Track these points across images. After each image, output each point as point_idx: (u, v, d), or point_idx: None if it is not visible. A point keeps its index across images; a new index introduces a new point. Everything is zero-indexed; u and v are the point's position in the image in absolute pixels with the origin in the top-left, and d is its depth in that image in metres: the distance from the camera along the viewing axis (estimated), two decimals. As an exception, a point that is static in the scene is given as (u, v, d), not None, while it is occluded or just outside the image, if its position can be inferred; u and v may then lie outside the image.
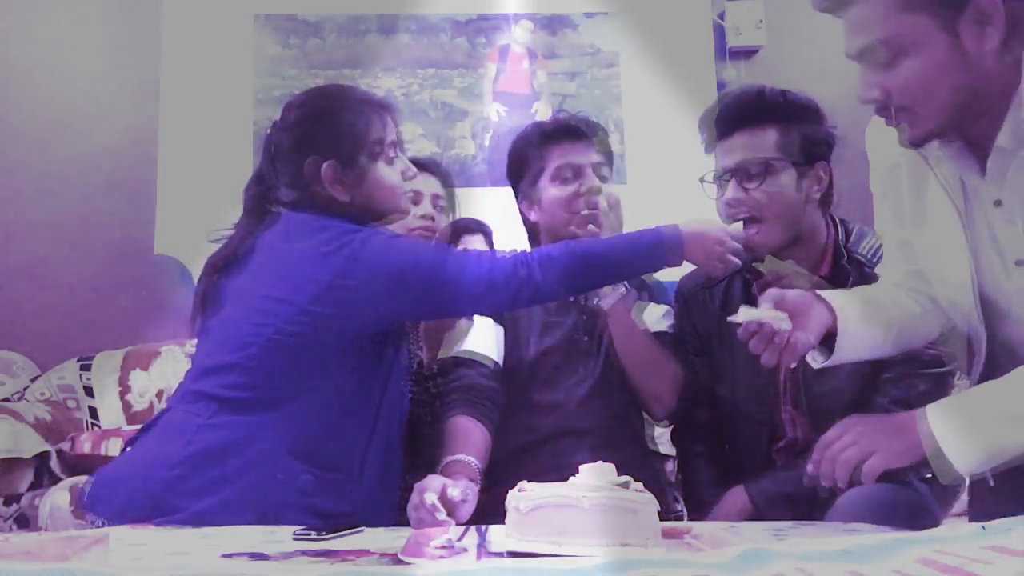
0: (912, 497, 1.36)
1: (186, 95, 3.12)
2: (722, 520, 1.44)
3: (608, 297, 1.58)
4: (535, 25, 3.34)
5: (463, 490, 1.26)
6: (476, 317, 1.65)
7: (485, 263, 1.37)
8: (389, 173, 1.48)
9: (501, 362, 1.62)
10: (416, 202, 1.77)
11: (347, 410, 1.39)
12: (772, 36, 3.28)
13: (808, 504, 1.40)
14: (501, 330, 1.64)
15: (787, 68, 3.28)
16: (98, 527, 1.29)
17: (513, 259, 1.38)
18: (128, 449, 1.44)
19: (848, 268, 1.50)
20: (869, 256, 1.50)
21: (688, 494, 1.69)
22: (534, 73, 3.33)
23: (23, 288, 2.98)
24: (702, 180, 1.57)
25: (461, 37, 3.31)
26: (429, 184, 1.83)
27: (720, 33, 3.33)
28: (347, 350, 1.39)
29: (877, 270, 1.44)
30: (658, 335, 1.66)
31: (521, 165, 1.70)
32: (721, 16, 3.33)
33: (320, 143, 1.44)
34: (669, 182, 2.73)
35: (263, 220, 1.48)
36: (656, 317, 1.69)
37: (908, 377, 1.44)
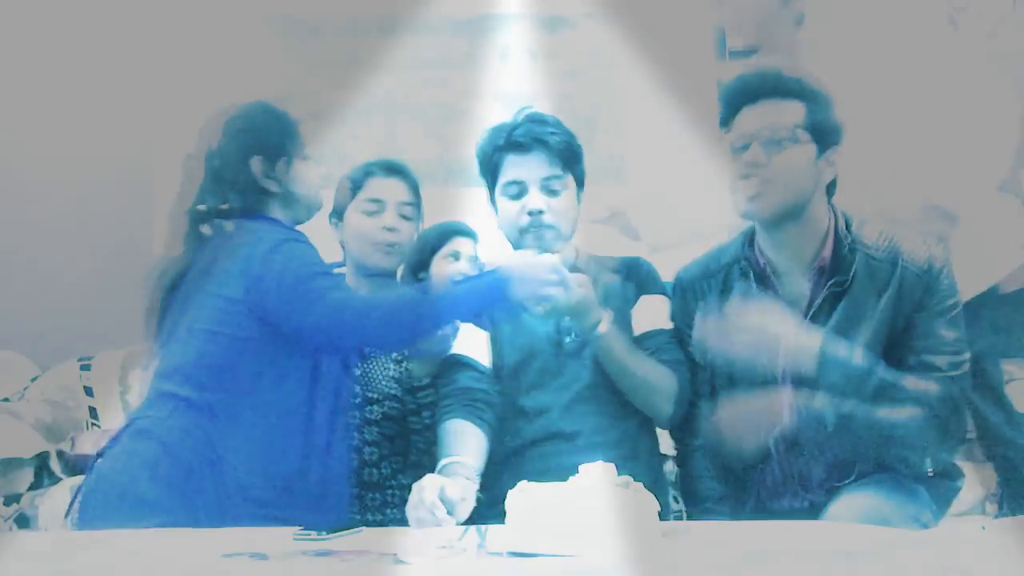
0: (908, 497, 1.35)
1: (186, 95, 3.11)
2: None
3: (585, 334, 1.57)
4: (535, 25, 3.33)
5: (462, 490, 1.26)
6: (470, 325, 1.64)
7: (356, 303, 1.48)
8: (308, 171, 1.62)
9: (490, 364, 1.62)
10: (377, 212, 1.79)
11: (289, 411, 1.45)
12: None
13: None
14: (486, 334, 1.64)
15: (787, 68, 3.27)
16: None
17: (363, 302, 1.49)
18: (100, 461, 1.47)
19: (850, 256, 1.49)
20: (883, 245, 1.50)
21: (686, 489, 1.68)
22: (534, 73, 3.33)
23: (23, 288, 2.98)
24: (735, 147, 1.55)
25: (461, 37, 3.31)
26: (394, 191, 1.82)
27: (720, 33, 3.33)
28: (280, 350, 1.45)
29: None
30: (663, 336, 1.63)
31: (483, 171, 1.72)
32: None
33: (258, 144, 1.58)
34: (669, 182, 2.73)
35: (203, 236, 1.56)
36: (660, 313, 1.66)
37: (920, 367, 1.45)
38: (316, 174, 1.64)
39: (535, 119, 1.67)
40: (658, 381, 1.58)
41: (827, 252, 1.51)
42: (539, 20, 3.33)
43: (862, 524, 1.21)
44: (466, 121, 3.26)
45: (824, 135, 1.51)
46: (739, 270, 1.59)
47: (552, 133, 1.63)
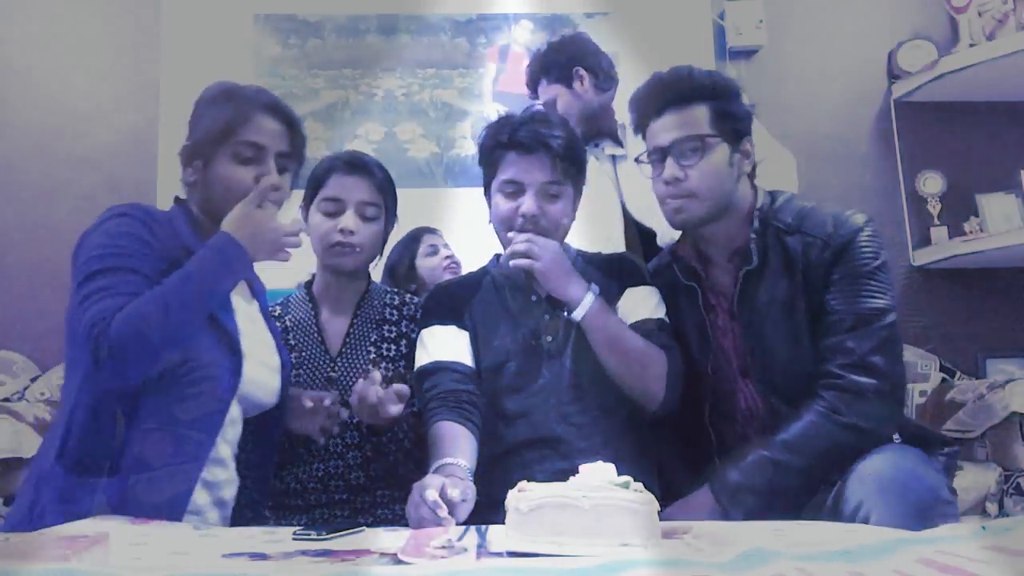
0: (922, 469, 1.32)
1: (186, 95, 3.10)
2: (687, 519, 1.41)
3: (579, 308, 1.55)
4: (535, 25, 3.34)
5: (463, 490, 1.26)
6: (437, 327, 1.63)
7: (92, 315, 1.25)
8: (233, 170, 1.45)
9: (473, 364, 1.60)
10: (336, 212, 1.69)
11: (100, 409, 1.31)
12: (772, 36, 3.28)
13: (772, 495, 1.39)
14: (465, 334, 1.63)
15: (787, 68, 3.28)
16: None
17: (94, 316, 1.25)
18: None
19: (762, 238, 1.52)
20: (790, 221, 1.52)
21: (663, 479, 1.63)
22: (534, 73, 3.32)
23: (23, 288, 2.98)
24: (638, 160, 1.60)
25: (461, 37, 3.31)
26: (355, 189, 1.70)
27: (720, 33, 3.33)
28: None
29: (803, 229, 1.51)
30: (651, 323, 1.60)
31: (482, 162, 1.67)
32: (721, 16, 3.33)
33: (192, 131, 1.53)
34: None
35: None
36: (647, 302, 1.64)
37: (847, 340, 1.44)
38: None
39: (541, 119, 1.63)
40: (649, 358, 1.54)
41: (743, 238, 1.54)
42: (539, 20, 3.33)
43: (861, 525, 1.20)
44: (466, 121, 3.27)
45: (735, 128, 1.54)
46: (671, 263, 1.66)
47: (556, 136, 1.59)
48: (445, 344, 1.61)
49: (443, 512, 1.21)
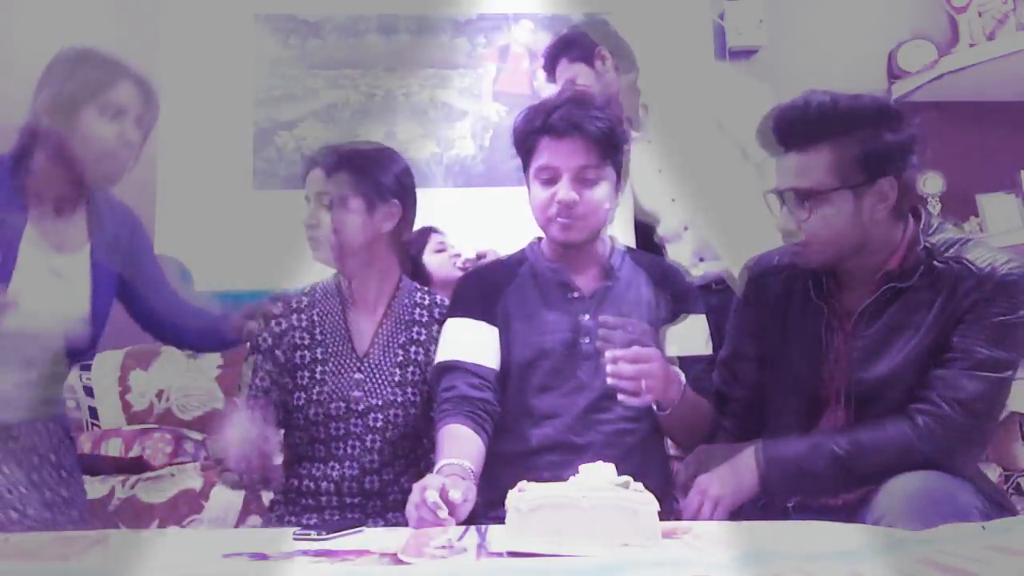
0: (963, 492, 1.30)
1: (186, 95, 3.11)
2: (722, 480, 1.37)
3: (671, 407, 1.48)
4: (535, 25, 3.33)
5: (464, 491, 1.25)
6: (464, 320, 1.59)
7: None
8: (98, 125, 1.56)
9: (497, 365, 1.55)
10: (308, 206, 1.73)
11: None
12: (772, 36, 3.28)
13: (815, 481, 1.37)
14: (493, 331, 1.57)
15: (787, 68, 3.28)
16: None
17: None
18: None
19: (916, 264, 1.40)
20: (945, 248, 1.41)
21: None
22: (534, 73, 3.32)
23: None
24: (765, 194, 1.47)
25: (461, 37, 3.31)
26: (315, 182, 1.74)
27: (720, 33, 3.33)
28: None
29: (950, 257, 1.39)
30: (694, 361, 1.57)
31: (518, 149, 1.61)
32: (721, 16, 3.32)
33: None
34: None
35: None
36: (700, 334, 1.60)
37: (959, 376, 1.36)
38: None
39: (577, 101, 1.55)
40: (704, 426, 1.54)
41: (895, 262, 1.43)
42: (539, 20, 3.33)
43: (861, 525, 1.20)
44: (466, 121, 3.26)
45: (867, 168, 1.39)
46: (805, 272, 1.51)
47: (593, 118, 1.51)
48: (468, 342, 1.56)
49: (443, 513, 1.19)
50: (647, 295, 1.60)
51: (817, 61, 3.29)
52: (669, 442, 1.68)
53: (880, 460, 1.34)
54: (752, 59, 3.33)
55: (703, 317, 1.62)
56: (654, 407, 1.46)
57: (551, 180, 1.53)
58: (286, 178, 3.16)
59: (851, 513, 1.34)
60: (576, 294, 1.58)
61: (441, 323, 1.68)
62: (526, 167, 1.59)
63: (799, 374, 1.49)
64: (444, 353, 1.58)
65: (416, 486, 1.26)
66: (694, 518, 1.33)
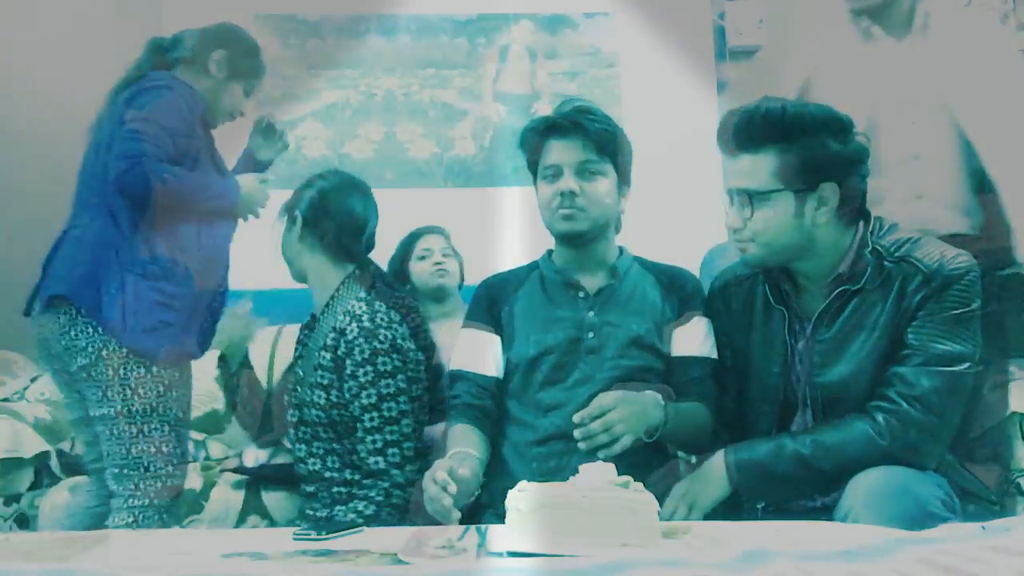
0: (925, 484, 1.33)
1: (186, 95, 3.11)
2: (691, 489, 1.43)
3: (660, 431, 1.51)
4: (535, 25, 3.34)
5: (471, 468, 1.29)
6: (472, 330, 1.66)
7: None
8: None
9: (499, 372, 1.63)
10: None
11: None
12: (772, 36, 3.28)
13: (782, 483, 1.41)
14: (496, 339, 1.65)
15: (787, 68, 3.27)
16: None
17: None
18: None
19: (865, 264, 1.45)
20: (893, 249, 1.45)
21: None
22: (534, 73, 3.33)
23: (23, 289, 2.97)
24: (724, 194, 1.53)
25: (461, 37, 3.31)
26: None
27: (720, 33, 3.33)
28: None
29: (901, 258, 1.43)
30: (697, 363, 1.61)
31: (528, 154, 1.68)
32: (721, 16, 3.33)
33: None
34: (669, 182, 2.73)
35: None
36: (703, 336, 1.63)
37: (916, 373, 1.40)
38: None
39: (580, 108, 1.65)
40: (702, 429, 1.57)
41: (845, 265, 1.47)
42: (539, 20, 3.33)
43: (862, 525, 1.21)
44: (466, 121, 3.27)
45: (808, 174, 1.44)
46: (761, 280, 1.57)
47: (593, 120, 1.62)
48: (473, 351, 1.65)
49: (452, 488, 1.24)
50: (653, 297, 1.64)
51: (817, 61, 3.29)
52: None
53: (843, 459, 1.38)
54: (752, 59, 3.33)
55: (707, 319, 1.64)
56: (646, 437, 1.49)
57: (555, 176, 1.61)
58: (286, 178, 3.16)
59: (830, 515, 1.36)
60: (582, 293, 1.64)
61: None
62: (536, 171, 1.66)
63: (767, 380, 1.54)
64: (454, 360, 1.68)
65: (426, 474, 1.32)
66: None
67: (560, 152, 1.61)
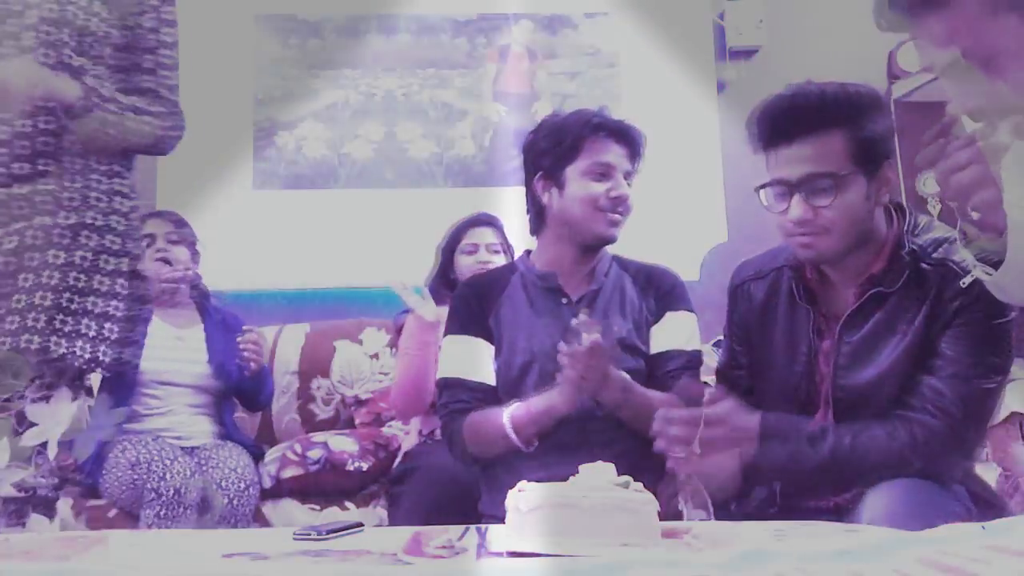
0: (946, 500, 1.30)
1: (186, 95, 3.11)
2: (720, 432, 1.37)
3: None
4: (535, 25, 3.34)
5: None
6: (460, 337, 1.66)
7: None
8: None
9: (491, 379, 1.63)
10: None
11: None
12: (772, 36, 3.28)
13: (799, 474, 1.37)
14: (485, 345, 1.64)
15: (787, 68, 3.27)
16: None
17: None
18: None
19: (902, 266, 1.39)
20: (932, 249, 1.38)
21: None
22: (534, 73, 3.33)
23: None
24: (758, 190, 1.44)
25: (461, 37, 3.31)
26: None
27: (720, 33, 3.33)
28: None
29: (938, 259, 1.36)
30: (683, 358, 1.62)
31: (557, 143, 1.63)
32: (721, 16, 3.33)
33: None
34: (669, 182, 2.73)
35: None
36: (685, 330, 1.65)
37: (946, 384, 1.34)
38: None
39: (627, 122, 1.69)
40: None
41: (879, 265, 1.40)
42: (539, 20, 3.33)
43: (862, 525, 1.20)
44: (466, 121, 3.27)
45: (873, 154, 1.38)
46: (788, 276, 1.51)
47: (637, 133, 1.67)
48: (462, 358, 1.64)
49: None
50: (632, 296, 1.66)
51: (817, 61, 3.29)
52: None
53: (864, 465, 1.34)
54: (752, 59, 3.33)
55: (691, 314, 1.67)
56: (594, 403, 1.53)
57: (605, 176, 1.62)
58: (286, 178, 3.16)
59: (840, 516, 1.34)
60: (564, 300, 1.64)
61: None
62: (566, 161, 1.63)
63: (787, 379, 1.49)
64: (443, 369, 1.67)
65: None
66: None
67: (614, 155, 1.63)
